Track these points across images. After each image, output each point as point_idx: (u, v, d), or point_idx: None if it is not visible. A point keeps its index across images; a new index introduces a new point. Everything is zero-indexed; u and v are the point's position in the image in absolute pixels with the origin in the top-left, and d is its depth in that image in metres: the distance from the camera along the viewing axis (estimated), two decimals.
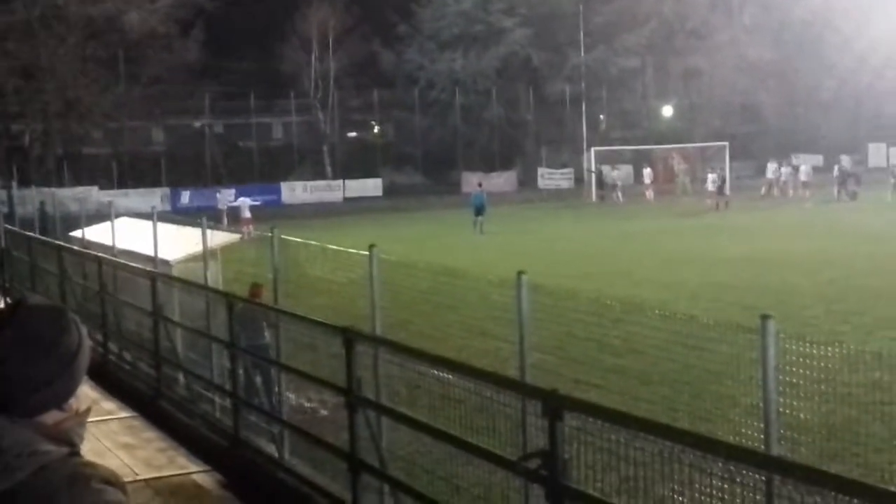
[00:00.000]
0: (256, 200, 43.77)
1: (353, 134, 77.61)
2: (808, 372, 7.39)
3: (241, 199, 44.67)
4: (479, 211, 40.92)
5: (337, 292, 12.89)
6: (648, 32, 71.53)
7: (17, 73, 57.92)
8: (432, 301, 12.27)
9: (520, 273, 7.79)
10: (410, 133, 74.81)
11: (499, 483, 7.80)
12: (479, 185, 46.44)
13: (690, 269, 26.40)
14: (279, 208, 55.37)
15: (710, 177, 50.55)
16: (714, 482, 5.91)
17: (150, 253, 15.49)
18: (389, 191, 67.21)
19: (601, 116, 75.58)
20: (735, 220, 41.23)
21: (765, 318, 5.95)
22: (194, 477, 11.18)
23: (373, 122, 77.40)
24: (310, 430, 10.61)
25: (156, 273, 14.44)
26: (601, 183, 55.33)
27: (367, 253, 9.69)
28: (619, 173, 59.30)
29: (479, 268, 21.08)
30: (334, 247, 11.78)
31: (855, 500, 4.85)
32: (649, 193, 55.24)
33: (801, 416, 8.01)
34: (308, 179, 67.64)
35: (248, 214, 40.68)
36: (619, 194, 55.03)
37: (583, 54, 70.59)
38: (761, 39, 71.79)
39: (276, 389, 11.78)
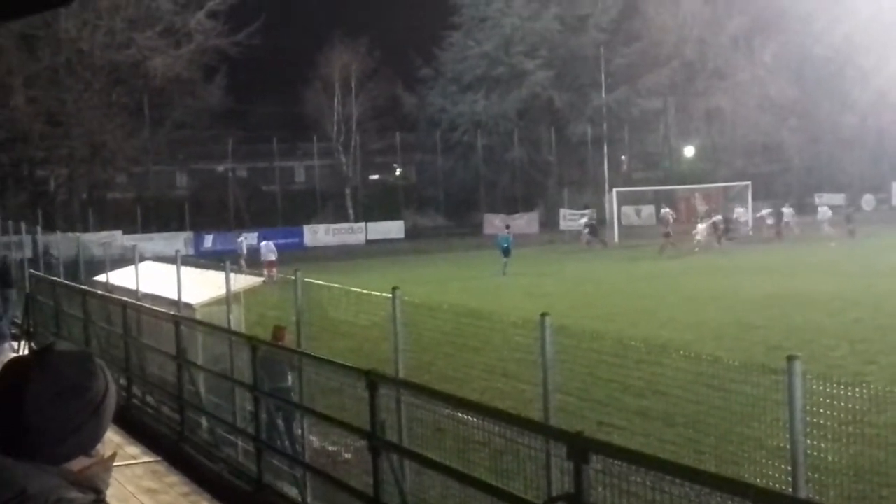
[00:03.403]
0: (267, 244, 43.64)
1: (376, 176, 77.92)
2: (835, 413, 7.33)
3: (264, 242, 44.78)
4: (506, 253, 41.05)
5: (360, 335, 12.91)
6: (670, 73, 71.69)
7: (43, 119, 58.52)
8: (455, 343, 12.26)
9: (543, 315, 7.79)
10: (433, 175, 75.09)
11: None
12: (507, 227, 46.67)
13: (714, 308, 26.27)
14: (302, 251, 55.51)
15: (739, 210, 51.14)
16: None
17: (174, 297, 15.54)
18: (412, 233, 67.32)
19: (623, 157, 75.64)
20: (756, 259, 41.04)
21: (791, 358, 5.92)
22: None
23: (395, 165, 77.72)
24: (333, 473, 10.58)
25: (179, 317, 14.49)
26: (595, 231, 54.86)
27: (389, 295, 9.71)
28: (643, 215, 59.26)
29: (502, 309, 21.06)
30: (357, 289, 11.79)
31: None
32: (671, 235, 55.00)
33: (829, 457, 7.93)
34: (330, 222, 67.87)
35: (272, 258, 40.77)
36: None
37: (604, 95, 70.82)
38: (783, 77, 71.82)
39: (299, 433, 11.76)
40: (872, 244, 45.36)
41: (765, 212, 55.00)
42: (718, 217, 51.36)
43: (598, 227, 55.84)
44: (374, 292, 10.97)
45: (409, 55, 72.02)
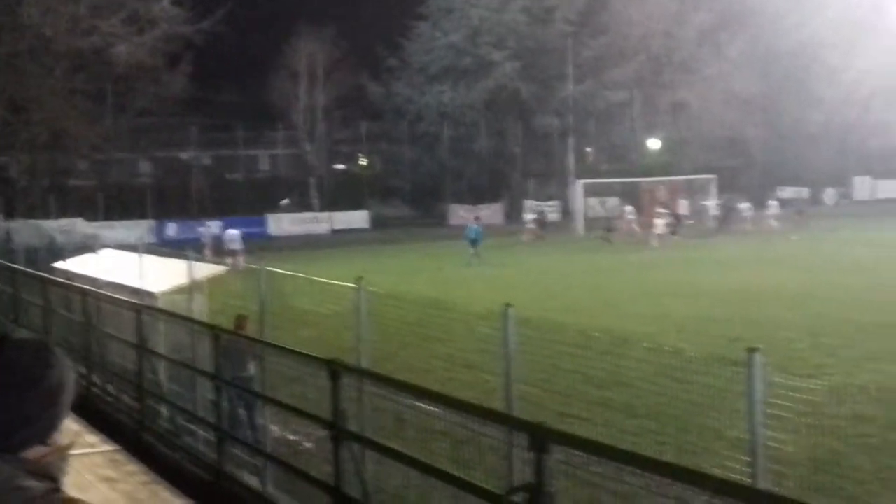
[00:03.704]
0: (232, 233, 43.22)
1: (341, 166, 77.73)
2: (794, 405, 7.39)
3: (229, 231, 44.48)
4: (475, 244, 41.07)
5: (323, 324, 12.88)
6: (637, 66, 71.96)
7: (4, 105, 57.84)
8: (419, 333, 12.27)
9: (506, 306, 7.80)
10: (398, 165, 75.04)
11: None
12: (477, 218, 46.73)
13: (676, 301, 26.42)
14: (266, 240, 55.30)
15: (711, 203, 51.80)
16: None
17: (135, 285, 15.43)
18: (377, 223, 67.26)
19: (589, 149, 75.89)
20: (719, 253, 41.31)
21: (752, 350, 5.96)
22: None
23: (360, 155, 77.55)
24: (294, 462, 10.55)
25: (140, 305, 14.39)
26: (543, 224, 55.00)
27: (353, 285, 9.69)
28: (608, 207, 59.47)
29: (466, 300, 21.07)
30: (321, 279, 11.76)
31: None
32: (635, 227, 55.26)
33: (788, 449, 8.00)
34: (295, 211, 67.63)
35: (236, 247, 40.54)
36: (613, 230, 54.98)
37: (571, 87, 70.97)
38: (749, 73, 72.28)
39: (261, 422, 11.72)
40: (834, 238, 45.79)
41: (710, 203, 55.26)
42: (676, 210, 51.81)
43: (544, 222, 56.01)
44: (338, 282, 10.94)
45: (376, 45, 71.90)
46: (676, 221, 50.45)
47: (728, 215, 54.63)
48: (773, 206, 54.91)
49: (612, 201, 64.36)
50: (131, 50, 60.39)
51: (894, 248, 39.33)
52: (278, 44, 69.07)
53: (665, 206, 53.26)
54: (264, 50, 69.23)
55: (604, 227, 49.56)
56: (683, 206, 57.67)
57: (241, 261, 32.94)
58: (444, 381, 13.56)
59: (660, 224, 48.13)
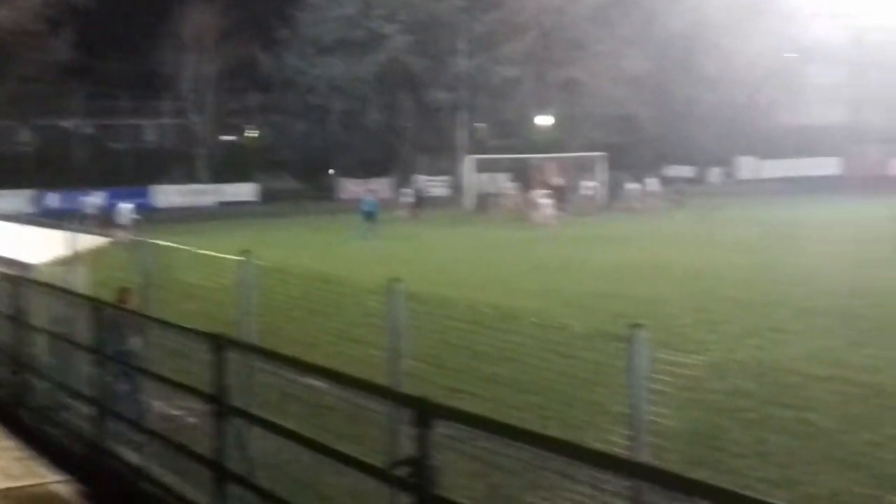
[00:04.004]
0: (126, 206, 42.31)
1: (229, 138, 76.63)
2: (675, 380, 7.50)
3: (122, 205, 43.43)
4: (370, 217, 40.90)
5: (209, 298, 12.66)
6: (529, 42, 72.27)
7: None
8: (306, 308, 12.16)
9: (394, 280, 7.75)
10: (288, 138, 74.24)
11: (370, 492, 7.73)
12: (371, 191, 46.45)
13: (564, 277, 26.71)
14: (151, 212, 54.27)
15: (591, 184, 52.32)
16: (583, 489, 5.95)
17: (12, 256, 14.98)
18: (265, 196, 66.60)
19: (480, 125, 76.13)
20: (606, 230, 41.91)
21: (635, 326, 6.01)
22: (54, 487, 10.83)
23: (250, 127, 76.55)
24: (176, 438, 10.38)
25: (16, 276, 13.98)
26: (419, 202, 54.84)
27: (240, 258, 9.54)
28: (498, 183, 59.70)
29: (355, 274, 20.97)
30: (207, 252, 11.57)
31: None
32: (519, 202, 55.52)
33: (669, 423, 8.12)
34: (181, 183, 66.52)
35: (126, 221, 39.80)
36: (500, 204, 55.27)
37: (463, 62, 71.02)
38: (640, 52, 73.21)
39: (142, 397, 11.49)
40: (718, 217, 46.79)
41: (594, 182, 55.89)
42: (563, 187, 52.33)
43: (422, 201, 55.86)
44: (224, 255, 10.77)
45: (266, 16, 70.83)
46: (563, 198, 50.92)
47: (615, 193, 55.36)
48: (652, 184, 55.74)
49: (503, 177, 64.69)
50: (12, 15, 58.59)
51: (776, 227, 40.38)
52: (166, 11, 67.63)
53: (551, 182, 53.78)
54: (152, 17, 67.70)
55: (479, 204, 49.52)
56: (572, 183, 58.15)
57: (127, 234, 32.36)
58: (331, 355, 13.45)
59: (543, 200, 48.46)
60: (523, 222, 46.37)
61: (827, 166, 77.64)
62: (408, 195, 54.83)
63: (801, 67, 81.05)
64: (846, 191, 61.37)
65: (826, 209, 48.75)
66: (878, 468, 9.59)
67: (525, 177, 58.66)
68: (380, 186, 65.30)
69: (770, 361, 13.41)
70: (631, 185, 55.64)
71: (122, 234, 25.50)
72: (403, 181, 68.49)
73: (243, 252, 9.54)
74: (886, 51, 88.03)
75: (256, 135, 77.50)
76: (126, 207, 41.95)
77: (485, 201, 56.17)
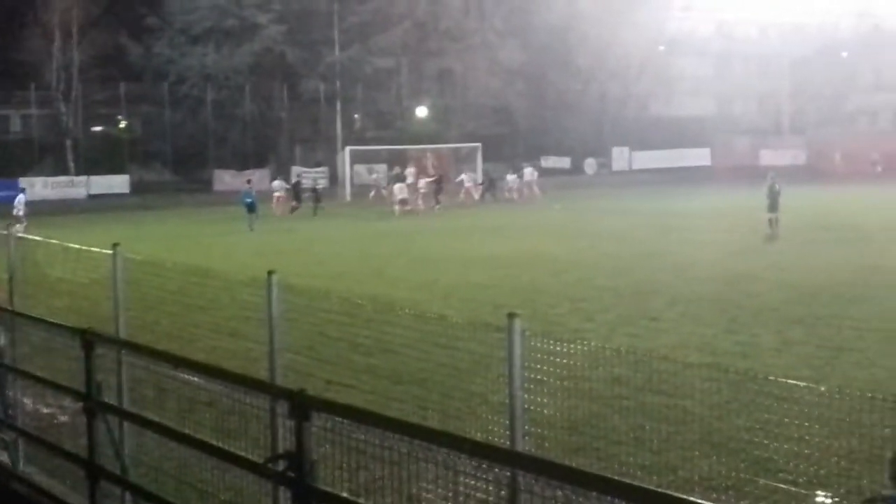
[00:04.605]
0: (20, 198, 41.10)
1: (99, 128, 74.75)
2: (553, 369, 7.58)
3: (19, 196, 41.99)
4: (251, 208, 40.42)
5: (80, 293, 12.36)
6: (402, 33, 72.30)
7: None
8: (181, 302, 11.96)
9: (270, 273, 7.67)
10: (160, 129, 72.68)
11: (249, 487, 7.64)
12: (249, 182, 45.75)
13: (444, 268, 26.80)
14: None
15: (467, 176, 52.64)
16: (464, 479, 5.96)
17: None
18: (137, 188, 65.27)
19: (356, 116, 75.91)
20: (488, 221, 42.21)
21: (511, 316, 6.04)
22: None
23: (120, 117, 74.79)
24: (47, 437, 10.10)
25: None
26: (298, 196, 54.07)
27: (110, 252, 9.33)
28: (378, 175, 59.48)
29: (231, 267, 20.73)
30: (76, 245, 11.28)
31: (594, 493, 4.98)
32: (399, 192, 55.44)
33: (546, 412, 8.21)
34: (49, 175, 64.69)
35: (22, 211, 38.86)
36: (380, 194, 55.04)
37: (337, 53, 70.70)
38: (512, 43, 73.85)
39: (10, 395, 11.14)
40: (594, 207, 47.58)
41: (464, 176, 56.23)
42: (437, 177, 52.49)
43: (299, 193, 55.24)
44: (94, 249, 10.52)
45: (135, 3, 69.29)
46: (441, 189, 51.02)
47: (492, 184, 55.77)
48: (530, 175, 56.21)
49: (380, 168, 64.57)
50: None
51: (648, 217, 41.23)
52: None
53: (429, 173, 53.89)
54: (16, 4, 65.50)
55: (312, 199, 49.02)
56: (449, 174, 58.37)
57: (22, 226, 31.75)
58: (208, 350, 13.29)
59: (398, 193, 48.19)
60: (395, 213, 46.26)
61: (697, 157, 79.58)
62: (281, 188, 54.09)
63: (673, 60, 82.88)
64: (716, 181, 63.03)
65: (697, 199, 49.98)
66: (750, 452, 9.86)
67: (400, 167, 58.64)
68: (257, 178, 64.52)
69: (645, 349, 13.67)
70: (510, 176, 56.07)
71: (18, 227, 24.78)
72: (280, 172, 67.79)
73: (113, 245, 9.33)
74: (752, 44, 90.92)
75: (126, 125, 75.71)
76: (21, 199, 40.78)
77: (364, 192, 55.97)
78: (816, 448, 9.05)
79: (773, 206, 33.39)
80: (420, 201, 49.20)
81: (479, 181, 56.30)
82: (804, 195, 45.89)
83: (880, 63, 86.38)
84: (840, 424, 8.14)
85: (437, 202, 49.39)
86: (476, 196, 53.92)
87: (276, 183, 52.69)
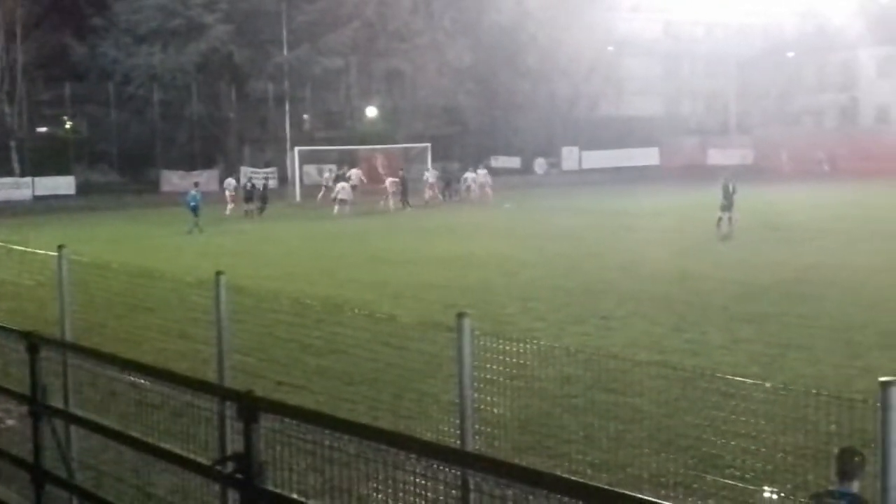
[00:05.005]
0: None
1: (44, 129, 73.80)
2: (503, 368, 7.59)
3: None
4: (196, 210, 40.01)
5: (24, 296, 12.22)
6: (351, 33, 72.09)
7: None
8: (129, 304, 11.88)
9: (218, 273, 7.61)
10: (106, 129, 71.82)
11: (197, 489, 7.57)
12: (196, 184, 45.26)
13: (394, 268, 26.76)
14: None
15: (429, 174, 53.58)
16: (415, 479, 5.95)
17: None
18: (83, 189, 64.45)
19: (305, 116, 75.59)
20: (439, 221, 42.22)
21: (461, 315, 6.04)
22: None
23: (65, 118, 73.87)
24: None
25: None
26: (249, 197, 53.49)
27: (56, 254, 9.21)
28: (329, 175, 59.15)
29: (179, 269, 20.54)
30: (20, 247, 11.14)
31: (544, 492, 4.98)
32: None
33: (497, 410, 8.22)
34: None
35: None
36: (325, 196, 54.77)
37: (286, 53, 70.36)
38: (461, 43, 73.91)
39: None
40: (544, 207, 47.72)
41: (427, 173, 56.24)
42: (393, 178, 52.37)
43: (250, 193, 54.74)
44: (40, 251, 10.38)
45: (79, 3, 68.47)
46: (405, 189, 50.76)
47: (448, 184, 55.82)
48: (483, 175, 56.31)
49: (332, 168, 64.30)
50: None
51: (598, 216, 41.46)
52: None
53: (375, 174, 53.81)
54: None
55: (258, 204, 48.58)
56: (403, 175, 58.29)
57: None
58: (156, 351, 13.16)
59: (339, 192, 47.98)
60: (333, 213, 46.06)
61: (646, 157, 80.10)
62: (231, 187, 53.64)
63: (622, 60, 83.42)
64: (665, 180, 63.51)
65: (646, 198, 50.29)
66: (699, 449, 9.93)
67: (347, 167, 58.51)
68: (205, 179, 64.02)
69: (595, 347, 13.74)
70: (469, 174, 56.09)
71: None
72: (229, 173, 67.30)
73: (60, 247, 9.21)
74: (699, 44, 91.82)
75: (72, 126, 74.77)
76: None
77: (314, 193, 55.72)
78: (764, 444, 9.15)
79: (726, 206, 33.47)
80: (391, 202, 49.25)
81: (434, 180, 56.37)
82: (752, 194, 46.33)
83: (825, 63, 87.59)
84: (787, 421, 8.24)
85: (407, 204, 49.32)
86: (439, 194, 54.07)
87: (229, 181, 52.40)
